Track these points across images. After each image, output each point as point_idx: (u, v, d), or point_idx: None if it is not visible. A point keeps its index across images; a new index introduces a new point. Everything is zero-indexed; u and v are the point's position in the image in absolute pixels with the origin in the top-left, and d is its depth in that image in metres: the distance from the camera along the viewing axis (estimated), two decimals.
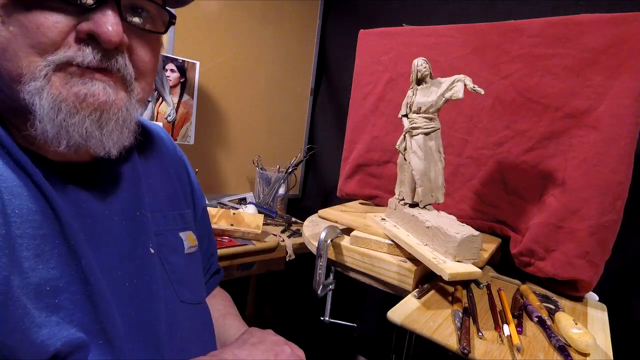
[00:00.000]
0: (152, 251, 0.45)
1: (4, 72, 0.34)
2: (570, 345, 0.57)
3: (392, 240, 0.77)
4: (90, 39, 0.35)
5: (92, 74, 0.36)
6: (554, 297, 0.76)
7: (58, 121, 0.35)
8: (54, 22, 0.34)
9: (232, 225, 1.20)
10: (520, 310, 0.66)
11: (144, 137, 0.51)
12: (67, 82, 0.35)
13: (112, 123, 0.38)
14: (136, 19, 0.39)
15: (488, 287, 0.76)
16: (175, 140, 1.40)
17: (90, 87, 0.36)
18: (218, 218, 1.20)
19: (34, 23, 0.33)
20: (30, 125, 0.35)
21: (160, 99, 1.34)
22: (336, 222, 0.92)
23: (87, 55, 0.35)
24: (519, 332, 0.59)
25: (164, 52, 1.33)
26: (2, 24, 0.33)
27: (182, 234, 0.52)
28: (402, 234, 0.75)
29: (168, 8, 0.43)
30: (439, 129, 0.75)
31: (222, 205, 1.54)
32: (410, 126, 0.76)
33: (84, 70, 0.36)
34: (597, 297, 0.80)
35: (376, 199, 1.12)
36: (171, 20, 0.43)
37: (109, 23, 0.35)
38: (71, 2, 0.34)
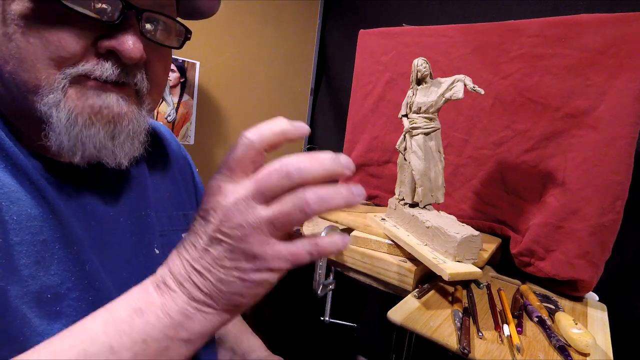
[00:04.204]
0: (157, 251, 0.45)
1: (20, 82, 0.34)
2: (570, 345, 0.57)
3: (392, 240, 0.77)
4: (109, 53, 0.35)
5: (108, 88, 0.36)
6: (554, 297, 0.76)
7: (74, 133, 0.35)
8: (76, 36, 0.34)
9: None
10: (520, 310, 0.66)
11: (149, 137, 0.51)
12: (83, 95, 0.35)
13: (124, 135, 0.38)
14: (150, 26, 0.39)
15: (488, 287, 0.76)
16: None
17: (105, 99, 0.36)
18: None
19: (56, 36, 0.33)
20: (45, 136, 0.35)
21: (160, 99, 1.34)
22: (336, 222, 0.92)
23: (107, 69, 0.35)
24: (519, 332, 0.59)
25: None
26: (21, 35, 0.33)
27: (185, 235, 0.52)
28: (402, 234, 0.75)
29: (183, 23, 0.43)
30: (439, 129, 0.75)
31: None
32: (410, 126, 0.76)
33: (101, 84, 0.36)
34: (597, 297, 0.80)
35: (376, 199, 1.12)
36: (187, 35, 0.43)
37: (130, 40, 0.35)
38: (94, 18, 0.34)
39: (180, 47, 0.43)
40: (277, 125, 0.29)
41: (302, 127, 0.30)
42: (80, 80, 0.35)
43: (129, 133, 0.39)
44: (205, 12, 0.48)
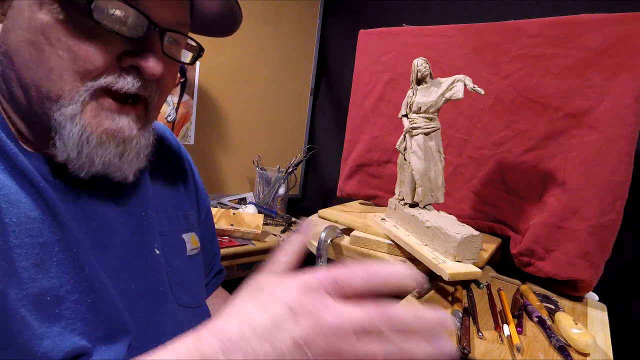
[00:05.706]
0: (157, 252, 0.45)
1: (43, 90, 0.35)
2: (570, 345, 0.56)
3: (392, 240, 0.77)
4: (131, 68, 0.37)
5: (122, 109, 0.38)
6: (554, 297, 0.76)
7: (86, 152, 0.36)
8: (103, 51, 0.35)
9: (232, 225, 1.20)
10: (520, 310, 0.66)
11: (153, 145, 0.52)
12: (98, 115, 0.37)
13: (132, 153, 0.40)
14: (169, 44, 0.41)
15: (488, 287, 0.76)
16: None
17: (118, 122, 0.38)
18: (218, 218, 1.20)
19: (84, 51, 0.34)
20: (52, 145, 0.36)
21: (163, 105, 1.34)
22: (336, 222, 0.92)
23: (128, 82, 0.37)
24: (519, 332, 0.59)
25: None
26: (50, 46, 0.34)
27: (185, 236, 0.52)
28: (402, 234, 0.75)
29: (197, 40, 0.46)
30: (439, 129, 0.75)
31: (222, 205, 1.54)
32: (410, 126, 0.76)
33: (116, 106, 0.37)
34: (597, 297, 0.80)
35: (376, 199, 1.12)
36: (199, 52, 0.46)
37: (153, 58, 0.37)
38: (119, 34, 0.35)
39: (193, 63, 0.46)
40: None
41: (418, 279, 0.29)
42: (98, 95, 0.36)
43: (136, 150, 0.41)
44: (220, 30, 0.51)
